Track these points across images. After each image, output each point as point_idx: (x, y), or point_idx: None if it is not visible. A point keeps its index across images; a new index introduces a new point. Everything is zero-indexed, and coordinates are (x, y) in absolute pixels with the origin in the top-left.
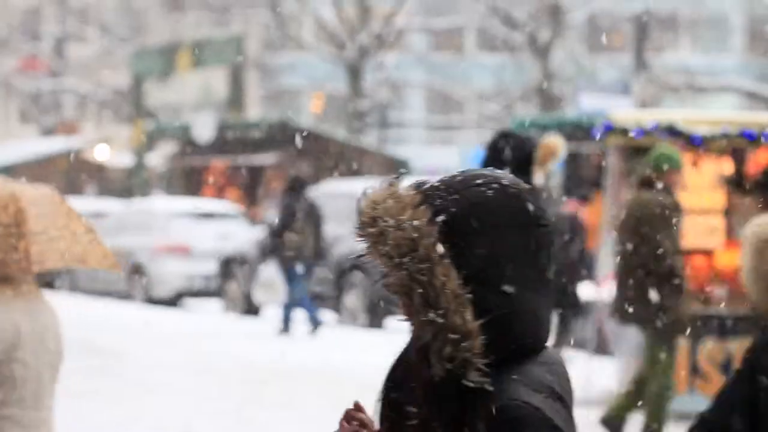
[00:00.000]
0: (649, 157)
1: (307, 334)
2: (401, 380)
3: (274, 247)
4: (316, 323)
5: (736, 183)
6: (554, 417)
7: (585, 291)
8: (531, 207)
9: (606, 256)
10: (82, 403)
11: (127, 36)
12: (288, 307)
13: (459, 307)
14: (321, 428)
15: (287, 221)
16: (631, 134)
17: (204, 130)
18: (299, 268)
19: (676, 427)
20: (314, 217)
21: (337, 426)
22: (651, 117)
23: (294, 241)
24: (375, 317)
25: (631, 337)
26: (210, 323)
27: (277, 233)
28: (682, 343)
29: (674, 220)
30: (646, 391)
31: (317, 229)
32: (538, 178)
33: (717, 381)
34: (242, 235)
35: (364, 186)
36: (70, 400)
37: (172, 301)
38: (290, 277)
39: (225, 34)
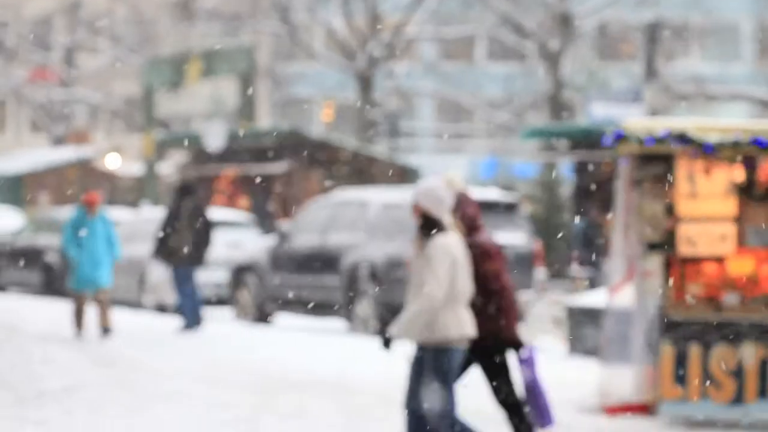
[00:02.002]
0: None
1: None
2: None
3: (156, 249)
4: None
5: (748, 190)
6: None
7: (598, 297)
8: None
9: (618, 262)
10: (98, 414)
11: (137, 46)
12: (180, 307)
13: None
14: None
15: (169, 224)
16: (643, 142)
17: (215, 139)
18: (181, 270)
19: None
20: (199, 220)
21: None
22: (662, 125)
23: (171, 245)
24: (386, 325)
25: (641, 344)
26: (221, 331)
27: (159, 236)
28: (695, 350)
29: None
30: None
31: (201, 233)
32: None
33: (729, 387)
34: (253, 243)
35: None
36: (86, 411)
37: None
38: (176, 277)
39: (235, 44)
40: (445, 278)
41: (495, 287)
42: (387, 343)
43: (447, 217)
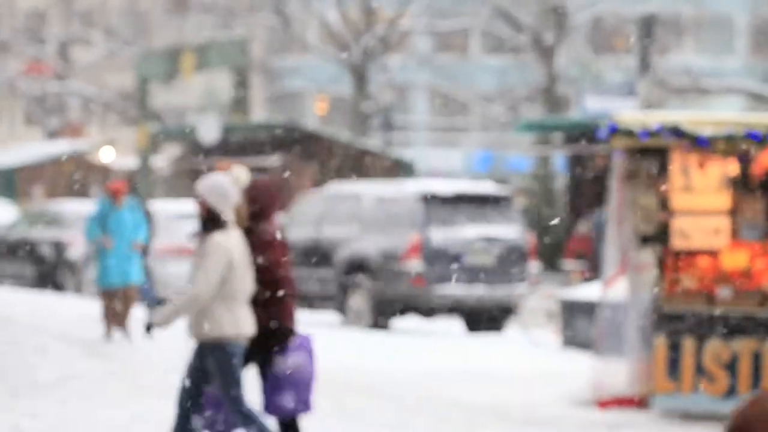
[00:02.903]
0: None
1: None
2: None
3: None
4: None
5: (742, 184)
6: None
7: (591, 290)
8: None
9: (612, 255)
10: (91, 407)
11: (131, 39)
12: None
13: None
14: (326, 430)
15: None
16: (637, 135)
17: (209, 132)
18: None
19: (681, 427)
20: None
21: (341, 428)
22: (656, 118)
23: None
24: (380, 318)
25: (635, 338)
26: None
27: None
28: (688, 343)
29: None
30: None
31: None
32: None
33: (722, 381)
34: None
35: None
36: (80, 403)
37: None
38: None
39: (229, 37)
40: (215, 277)
41: (270, 278)
42: (148, 328)
43: (230, 214)
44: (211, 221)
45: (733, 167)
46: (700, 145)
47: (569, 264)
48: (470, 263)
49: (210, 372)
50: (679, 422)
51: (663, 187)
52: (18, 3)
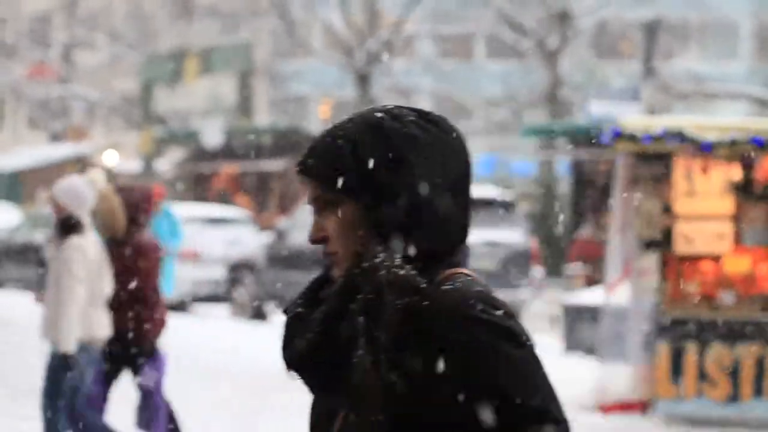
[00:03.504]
0: None
1: None
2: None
3: None
4: None
5: (745, 189)
6: None
7: (594, 295)
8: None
9: (615, 260)
10: None
11: (136, 43)
12: None
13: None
14: None
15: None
16: (640, 140)
17: (213, 136)
18: None
19: None
20: None
21: None
22: (660, 123)
23: None
24: None
25: (638, 342)
26: (218, 329)
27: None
28: (691, 348)
29: None
30: None
31: None
32: None
33: (725, 386)
34: (251, 240)
35: None
36: None
37: (180, 307)
38: None
39: (233, 41)
40: (82, 278)
41: (141, 286)
42: (65, 362)
43: (86, 217)
44: (67, 225)
45: (736, 172)
46: (703, 150)
47: (572, 269)
48: (473, 268)
49: (58, 374)
50: (681, 427)
51: (666, 192)
52: (22, 6)
